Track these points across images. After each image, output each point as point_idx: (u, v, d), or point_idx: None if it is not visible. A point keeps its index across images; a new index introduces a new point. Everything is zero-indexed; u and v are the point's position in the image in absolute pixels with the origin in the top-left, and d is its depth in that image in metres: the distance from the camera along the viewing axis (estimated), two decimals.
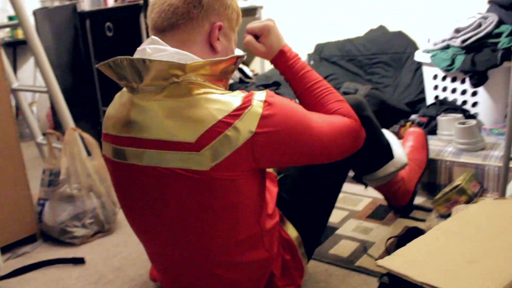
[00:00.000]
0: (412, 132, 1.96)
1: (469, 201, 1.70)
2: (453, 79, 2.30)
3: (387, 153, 1.56)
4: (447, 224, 1.14)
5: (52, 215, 1.86)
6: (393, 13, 2.96)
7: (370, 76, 2.92)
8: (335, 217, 1.86)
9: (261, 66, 3.59)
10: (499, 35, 2.13)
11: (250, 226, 1.09)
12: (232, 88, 2.68)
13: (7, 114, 1.79)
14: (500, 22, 2.16)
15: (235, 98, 0.98)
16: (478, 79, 2.13)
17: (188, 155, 0.96)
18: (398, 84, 2.76)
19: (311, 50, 3.22)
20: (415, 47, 2.79)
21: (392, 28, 2.96)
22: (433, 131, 2.23)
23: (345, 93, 2.33)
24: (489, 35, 2.14)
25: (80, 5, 2.79)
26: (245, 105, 0.97)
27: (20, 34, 3.86)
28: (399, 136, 2.22)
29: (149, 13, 1.09)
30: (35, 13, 3.13)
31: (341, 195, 2.05)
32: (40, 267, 1.70)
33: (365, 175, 1.62)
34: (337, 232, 1.75)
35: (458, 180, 1.75)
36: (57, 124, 3.24)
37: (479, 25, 2.19)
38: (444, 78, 2.34)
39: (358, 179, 1.65)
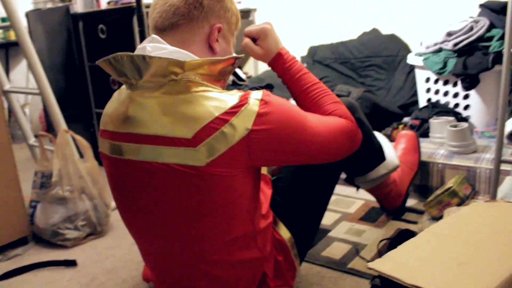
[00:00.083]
0: (404, 134, 1.97)
1: (461, 203, 1.71)
2: (445, 82, 2.31)
3: (378, 155, 1.57)
4: (438, 227, 1.14)
5: (44, 217, 1.85)
6: (386, 16, 2.97)
7: (363, 78, 2.93)
8: (327, 219, 1.87)
9: (254, 69, 3.59)
10: (490, 38, 2.15)
11: (243, 224, 1.09)
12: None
13: None
14: (491, 26, 2.18)
15: (232, 97, 1.00)
16: (470, 82, 2.15)
17: (184, 151, 0.97)
18: (391, 87, 2.77)
19: (304, 52, 3.23)
20: (407, 50, 2.81)
21: (385, 31, 2.97)
22: (425, 133, 2.25)
23: (337, 96, 2.33)
24: (480, 38, 2.16)
25: (73, 7, 2.78)
26: (242, 103, 0.99)
27: (12, 36, 3.84)
28: (391, 138, 2.23)
29: (151, 13, 1.12)
30: (27, 14, 3.12)
31: (333, 197, 2.06)
32: (31, 269, 1.69)
33: (357, 177, 1.62)
34: (330, 234, 1.75)
35: (450, 183, 1.75)
36: (49, 126, 3.23)
37: (471, 28, 2.20)
38: (436, 81, 2.36)
39: (350, 181, 1.66)
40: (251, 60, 3.61)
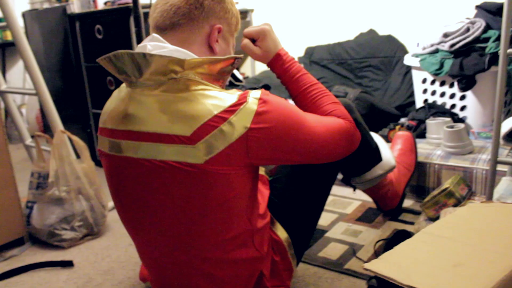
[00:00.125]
0: (401, 135, 1.97)
1: (457, 204, 1.71)
2: (442, 83, 2.32)
3: (375, 156, 1.58)
4: (434, 228, 1.15)
5: (40, 218, 1.84)
6: (383, 17, 2.97)
7: (360, 79, 2.93)
8: (324, 220, 1.87)
9: (251, 70, 3.59)
10: (486, 40, 2.15)
11: (241, 223, 1.10)
12: None
13: None
14: (487, 27, 2.19)
15: (231, 95, 1.01)
16: (466, 83, 2.15)
17: (183, 148, 0.98)
18: (388, 87, 2.78)
19: (301, 53, 3.23)
20: (404, 51, 2.81)
21: (382, 32, 2.97)
22: (422, 134, 2.25)
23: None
24: (477, 39, 2.17)
25: (69, 7, 2.78)
26: (241, 101, 1.00)
27: (9, 36, 3.83)
28: (388, 139, 2.23)
29: (151, 13, 1.13)
30: (24, 15, 3.11)
31: (330, 198, 2.06)
32: (28, 270, 1.69)
33: (354, 178, 1.63)
34: (326, 235, 1.76)
35: (447, 183, 1.76)
36: (46, 126, 3.23)
37: (467, 29, 2.21)
38: (433, 82, 2.36)
39: (346, 182, 1.66)
40: (248, 60, 3.61)
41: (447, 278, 0.90)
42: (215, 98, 1.00)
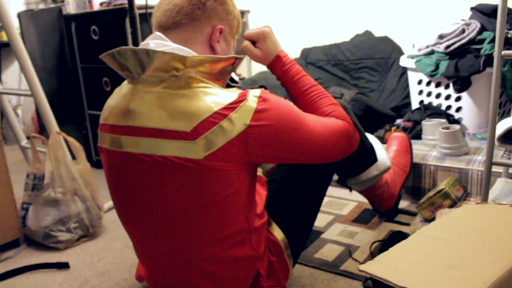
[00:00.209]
0: (396, 136, 1.98)
1: (453, 205, 1.72)
2: (437, 84, 2.33)
3: (370, 157, 1.58)
4: (429, 229, 1.15)
5: (36, 220, 1.84)
6: (378, 19, 2.98)
7: (356, 80, 2.94)
8: (320, 221, 1.87)
9: (247, 71, 3.59)
10: (481, 41, 2.16)
11: (239, 221, 1.11)
12: None
13: None
14: (482, 29, 2.20)
15: (232, 93, 1.03)
16: (462, 84, 2.16)
17: (183, 144, 0.99)
18: (384, 89, 2.79)
19: (297, 54, 3.23)
20: (400, 52, 2.82)
21: (377, 33, 2.98)
22: (418, 135, 2.26)
23: None
24: (472, 41, 2.17)
25: (65, 8, 2.77)
26: (241, 99, 1.01)
27: (4, 36, 3.82)
28: (384, 140, 2.23)
29: (155, 12, 1.15)
30: (19, 15, 3.10)
31: (326, 199, 2.06)
32: (23, 272, 1.68)
33: (349, 179, 1.63)
34: (322, 236, 1.76)
35: (442, 185, 1.76)
36: (42, 127, 3.22)
37: (463, 31, 2.22)
38: (428, 83, 2.37)
39: (342, 183, 1.67)
40: (245, 62, 3.61)
41: (442, 280, 0.91)
42: (216, 95, 1.01)
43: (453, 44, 2.20)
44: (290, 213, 1.33)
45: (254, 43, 1.26)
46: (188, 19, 1.11)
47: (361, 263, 1.52)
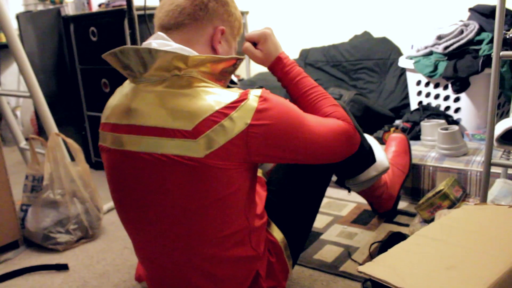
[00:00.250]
0: (395, 137, 1.98)
1: (452, 206, 1.72)
2: (436, 85, 2.33)
3: (369, 157, 1.58)
4: (428, 230, 1.15)
5: (35, 221, 1.84)
6: (377, 19, 2.98)
7: (354, 81, 2.94)
8: (319, 222, 1.87)
9: (246, 72, 3.60)
10: (480, 42, 2.16)
11: (239, 221, 1.11)
12: None
13: None
14: (481, 30, 2.20)
15: (233, 93, 1.04)
16: (460, 85, 2.16)
17: (184, 142, 1.00)
18: (382, 89, 2.79)
19: (296, 55, 3.24)
20: (399, 53, 2.82)
21: (376, 34, 2.98)
22: (417, 136, 2.26)
23: None
24: (470, 42, 2.18)
25: (64, 9, 2.77)
26: (242, 98, 1.03)
27: (3, 38, 3.82)
28: (383, 141, 2.24)
29: (157, 13, 1.16)
30: (18, 17, 3.10)
31: (325, 200, 2.06)
32: (23, 273, 1.68)
33: (348, 179, 1.63)
34: (322, 237, 1.76)
35: (441, 185, 1.76)
36: (41, 129, 3.21)
37: (461, 32, 2.22)
38: (427, 84, 2.37)
39: (341, 184, 1.67)
40: (244, 63, 3.61)
41: (441, 281, 0.91)
42: (217, 95, 1.02)
43: (451, 45, 2.20)
44: (289, 214, 1.33)
45: (255, 44, 1.27)
46: (190, 20, 1.12)
47: (360, 264, 1.52)
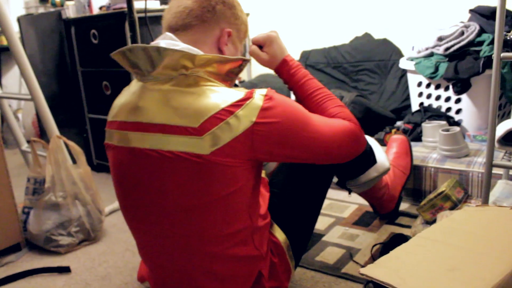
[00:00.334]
0: (396, 139, 1.98)
1: (454, 207, 1.72)
2: (437, 87, 2.33)
3: (369, 158, 1.58)
4: (429, 232, 1.15)
5: (37, 224, 1.84)
6: (378, 21, 2.98)
7: (355, 83, 2.94)
8: (321, 224, 1.87)
9: (248, 74, 3.60)
10: (480, 43, 2.16)
11: (242, 219, 1.12)
12: None
13: None
14: (481, 31, 2.20)
15: (238, 92, 1.05)
16: (461, 86, 2.16)
17: (190, 139, 1.01)
18: (383, 91, 2.79)
19: (297, 57, 3.24)
20: (400, 55, 2.82)
21: (377, 35, 2.98)
22: (418, 137, 2.26)
23: None
24: (471, 43, 2.18)
25: (65, 12, 2.77)
26: (247, 96, 1.05)
27: (4, 41, 3.82)
28: (384, 143, 2.24)
29: (165, 15, 1.19)
30: (19, 19, 3.11)
31: (327, 202, 2.06)
32: (25, 276, 1.68)
33: (349, 181, 1.63)
34: (323, 239, 1.76)
35: (443, 187, 1.76)
36: (43, 131, 3.22)
37: (462, 33, 2.22)
38: (428, 86, 2.37)
39: (341, 185, 1.67)
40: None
41: (443, 283, 0.91)
42: (223, 93, 1.04)
43: (452, 46, 2.20)
44: (291, 215, 1.33)
45: (261, 47, 1.29)
46: (197, 21, 1.14)
47: (362, 266, 1.52)
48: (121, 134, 1.12)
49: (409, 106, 2.62)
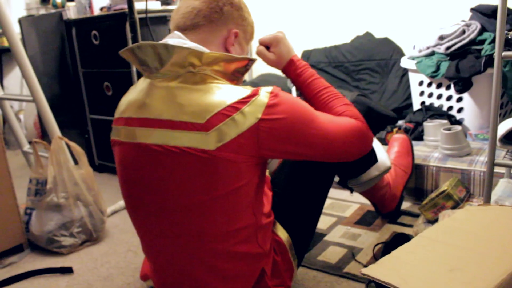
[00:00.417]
0: (397, 138, 1.98)
1: (456, 206, 1.72)
2: (439, 85, 2.33)
3: (370, 157, 1.58)
4: (431, 232, 1.15)
5: (39, 225, 1.84)
6: (379, 20, 2.98)
7: (357, 82, 2.94)
8: (323, 223, 1.87)
9: (249, 73, 3.60)
10: (482, 42, 2.16)
11: (246, 216, 1.12)
12: None
13: None
14: (482, 30, 2.20)
15: (244, 89, 1.07)
16: (463, 85, 2.16)
17: (196, 135, 1.03)
18: (385, 90, 2.79)
19: (298, 56, 3.23)
20: (401, 54, 2.82)
21: (378, 34, 2.98)
22: (419, 136, 2.26)
23: None
24: (472, 42, 2.17)
25: (66, 13, 2.78)
26: (253, 94, 1.06)
27: (5, 42, 3.83)
28: (386, 142, 2.23)
29: (173, 15, 1.21)
30: (20, 21, 3.11)
31: (329, 201, 2.06)
32: (27, 277, 1.68)
33: (350, 180, 1.63)
34: (325, 238, 1.76)
35: (445, 186, 1.76)
36: (45, 132, 3.22)
37: (463, 32, 2.22)
38: (429, 84, 2.37)
39: (343, 184, 1.67)
40: None
41: (444, 283, 0.91)
42: (229, 90, 1.06)
43: (453, 45, 2.20)
44: (293, 214, 1.34)
45: (268, 48, 1.31)
46: (205, 21, 1.17)
47: (364, 265, 1.52)
48: (128, 130, 1.13)
49: (410, 105, 2.62)
